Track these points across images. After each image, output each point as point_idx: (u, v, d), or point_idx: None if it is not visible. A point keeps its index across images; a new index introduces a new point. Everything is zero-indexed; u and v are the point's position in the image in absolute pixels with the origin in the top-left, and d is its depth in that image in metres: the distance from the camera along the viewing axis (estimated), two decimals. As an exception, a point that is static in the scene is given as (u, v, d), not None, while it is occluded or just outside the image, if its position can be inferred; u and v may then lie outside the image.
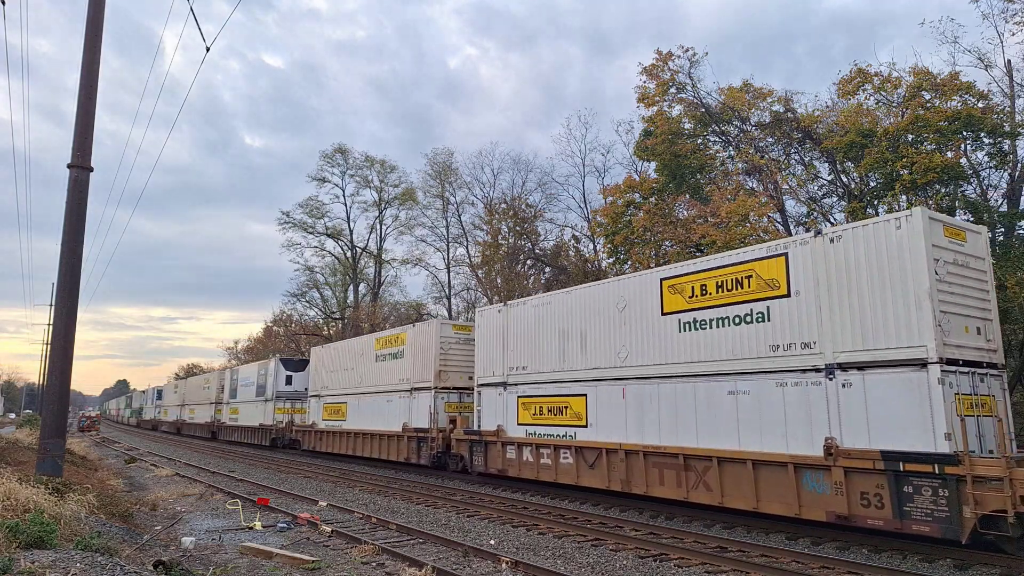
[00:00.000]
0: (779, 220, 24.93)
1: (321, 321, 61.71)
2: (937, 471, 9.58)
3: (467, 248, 48.68)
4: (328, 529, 12.48)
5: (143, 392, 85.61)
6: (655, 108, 28.61)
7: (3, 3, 13.61)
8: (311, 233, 56.60)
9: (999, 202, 20.95)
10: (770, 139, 26.54)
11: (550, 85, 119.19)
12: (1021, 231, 20.05)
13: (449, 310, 48.69)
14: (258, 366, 39.87)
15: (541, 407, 17.27)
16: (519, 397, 18.03)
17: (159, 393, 71.21)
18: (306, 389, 34.26)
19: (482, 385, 19.56)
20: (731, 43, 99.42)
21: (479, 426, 19.49)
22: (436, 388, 22.04)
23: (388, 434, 24.35)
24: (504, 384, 18.71)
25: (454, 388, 22.42)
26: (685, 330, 13.69)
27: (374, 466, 25.77)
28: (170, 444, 44.41)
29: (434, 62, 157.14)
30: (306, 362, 35.52)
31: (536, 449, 17.18)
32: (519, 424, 17.94)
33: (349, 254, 57.46)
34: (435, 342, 22.41)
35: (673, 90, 28.05)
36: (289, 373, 35.73)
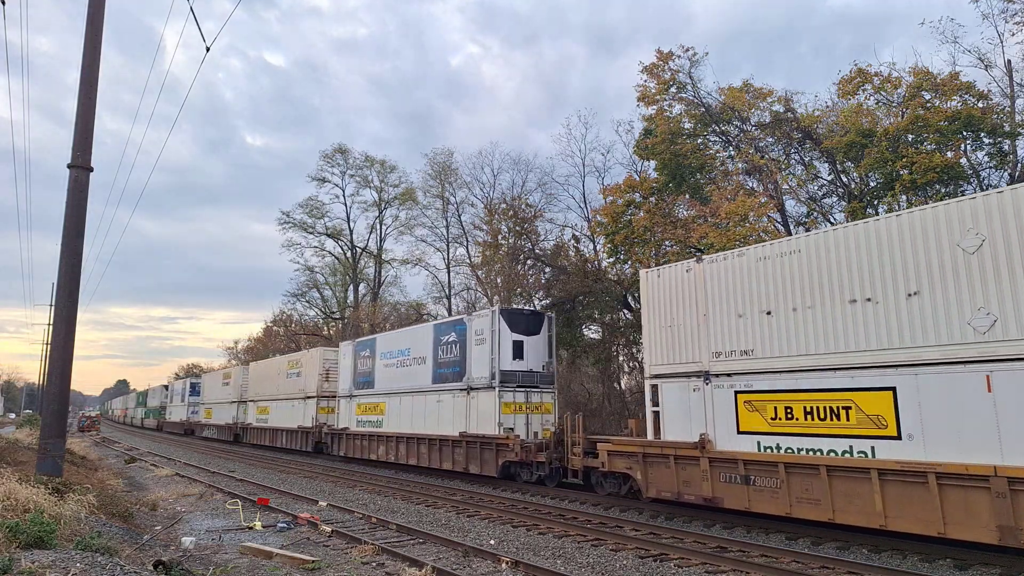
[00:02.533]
0: (779, 220, 24.92)
1: (321, 321, 61.72)
2: None
3: (467, 248, 48.66)
4: (328, 529, 12.49)
5: (165, 387, 68.92)
6: (655, 107, 28.62)
7: (3, 3, 13.61)
8: (311, 233, 56.64)
9: (999, 202, 20.91)
10: (770, 139, 26.54)
11: (552, 84, 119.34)
12: (1021, 231, 20.02)
13: (449, 310, 48.68)
14: (432, 329, 22.97)
15: None
16: None
17: (193, 387, 55.58)
18: (544, 367, 20.38)
19: None
20: (735, 41, 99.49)
21: None
22: None
23: None
24: None
25: None
26: None
27: None
28: (171, 444, 44.37)
29: (436, 60, 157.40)
30: (541, 317, 21.09)
31: None
32: None
33: (349, 254, 57.47)
34: None
35: (673, 89, 28.06)
36: (519, 337, 19.99)
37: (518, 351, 19.97)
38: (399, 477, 22.54)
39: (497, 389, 19.35)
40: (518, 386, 19.75)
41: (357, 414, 27.11)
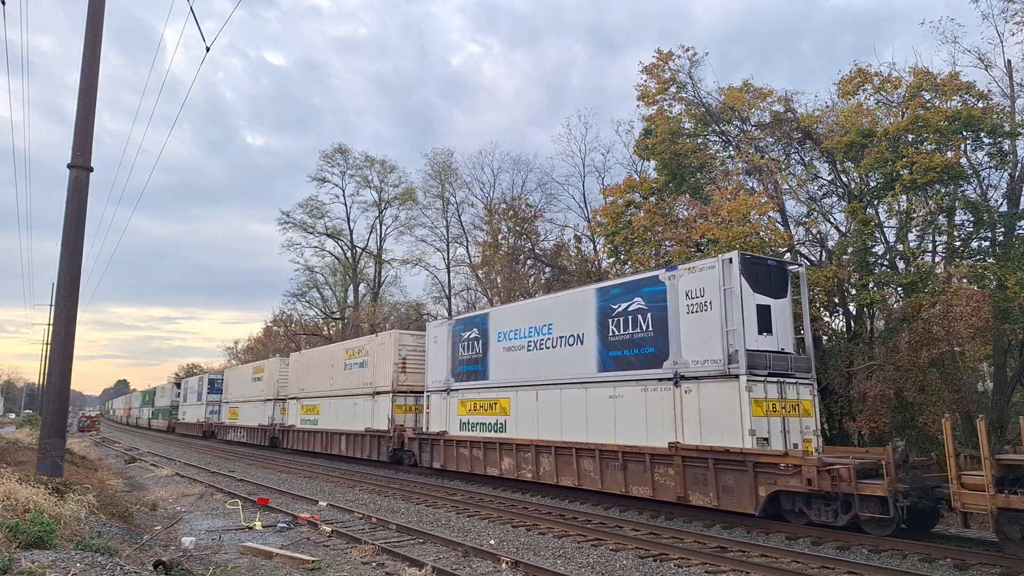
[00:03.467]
0: (779, 220, 24.92)
1: (321, 321, 61.79)
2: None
3: (467, 248, 48.74)
4: (328, 529, 12.49)
5: (176, 385, 62.83)
6: (655, 107, 28.63)
7: (3, 3, 13.61)
8: (311, 233, 56.71)
9: (999, 202, 20.94)
10: (770, 139, 26.53)
11: (553, 83, 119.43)
12: (1021, 231, 20.05)
13: (449, 310, 48.71)
14: (595, 295, 16.50)
15: None
16: None
17: (212, 383, 49.05)
18: (795, 346, 14.20)
19: None
20: (736, 40, 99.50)
21: None
22: None
23: None
24: None
25: None
26: None
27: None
28: (172, 445, 44.37)
29: (437, 60, 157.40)
30: (785, 272, 14.52)
31: None
32: None
33: (349, 254, 57.53)
34: None
35: (673, 89, 28.07)
36: (764, 300, 13.67)
37: (764, 321, 13.34)
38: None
39: (743, 378, 12.55)
40: (769, 374, 13.02)
41: (460, 414, 20.80)
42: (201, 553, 10.72)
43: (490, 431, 19.36)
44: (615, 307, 15.74)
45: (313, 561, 9.93)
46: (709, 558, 10.08)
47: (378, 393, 25.28)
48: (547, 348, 17.70)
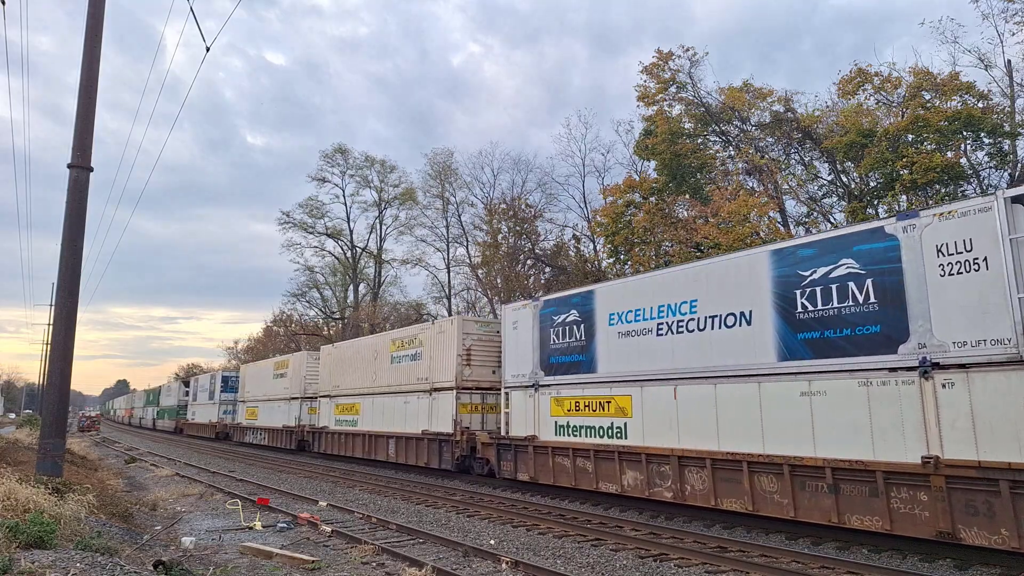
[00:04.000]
0: (779, 220, 24.93)
1: (321, 321, 61.84)
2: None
3: (467, 248, 48.81)
4: (328, 529, 12.49)
5: (184, 383, 58.71)
6: (655, 107, 28.67)
7: (3, 2, 13.61)
8: (311, 233, 56.83)
9: (999, 202, 20.98)
10: (770, 139, 26.56)
11: (553, 83, 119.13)
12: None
13: (449, 310, 48.77)
14: (769, 259, 12.35)
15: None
16: None
17: (226, 381, 45.46)
18: None
19: None
20: (737, 40, 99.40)
21: None
22: None
23: None
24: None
25: None
26: None
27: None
28: (173, 445, 44.39)
29: (437, 60, 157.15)
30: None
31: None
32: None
33: (349, 254, 57.60)
34: None
35: (673, 89, 28.11)
36: None
37: None
38: (399, 477, 21.97)
39: None
40: None
41: (554, 415, 16.99)
42: (201, 553, 10.72)
43: (602, 436, 15.42)
44: (806, 274, 11.80)
45: (313, 561, 9.93)
46: (709, 558, 10.08)
47: (437, 390, 21.63)
48: (689, 331, 13.67)
